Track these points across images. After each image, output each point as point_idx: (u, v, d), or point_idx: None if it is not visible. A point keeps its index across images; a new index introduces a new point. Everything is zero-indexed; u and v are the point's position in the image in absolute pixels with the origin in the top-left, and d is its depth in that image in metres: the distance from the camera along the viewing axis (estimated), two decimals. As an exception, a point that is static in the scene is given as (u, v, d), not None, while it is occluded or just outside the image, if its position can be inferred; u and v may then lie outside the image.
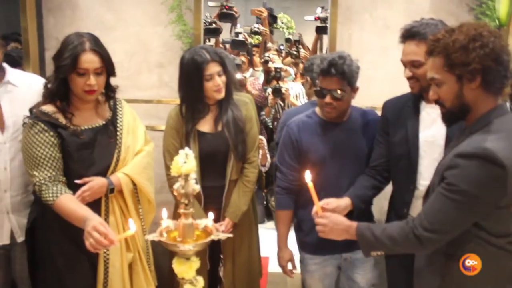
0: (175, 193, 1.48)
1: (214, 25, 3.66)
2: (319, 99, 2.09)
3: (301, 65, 4.75)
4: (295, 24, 7.36)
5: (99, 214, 1.90)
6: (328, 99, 2.03)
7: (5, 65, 2.09)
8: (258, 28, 4.55)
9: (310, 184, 1.66)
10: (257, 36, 5.00)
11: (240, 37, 4.11)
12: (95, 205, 1.90)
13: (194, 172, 1.46)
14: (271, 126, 4.41)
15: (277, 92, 4.08)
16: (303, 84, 4.09)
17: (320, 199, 1.99)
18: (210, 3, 4.15)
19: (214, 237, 1.49)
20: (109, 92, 2.01)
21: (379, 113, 2.15)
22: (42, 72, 2.85)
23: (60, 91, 1.89)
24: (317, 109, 2.18)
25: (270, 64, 4.43)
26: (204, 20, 3.41)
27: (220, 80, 2.13)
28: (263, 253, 2.55)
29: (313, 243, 2.13)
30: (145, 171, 2.08)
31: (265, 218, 4.52)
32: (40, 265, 2.03)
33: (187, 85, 2.17)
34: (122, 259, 1.99)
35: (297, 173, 2.15)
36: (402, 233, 1.50)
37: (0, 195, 2.01)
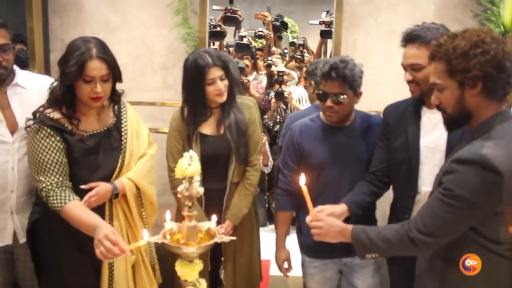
0: (179, 195, 1.48)
1: (218, 29, 3.67)
2: (321, 103, 2.10)
3: (305, 69, 4.75)
4: (299, 28, 7.36)
5: (103, 219, 1.89)
6: (329, 102, 2.03)
7: (15, 67, 2.10)
8: (262, 31, 4.55)
9: (304, 188, 1.66)
10: (260, 40, 5.01)
11: (245, 41, 4.12)
12: (99, 210, 1.89)
13: (199, 175, 1.46)
14: (274, 130, 4.41)
15: (279, 95, 4.09)
16: (306, 87, 4.09)
17: (319, 203, 2.00)
18: (215, 7, 4.16)
19: (217, 239, 1.49)
20: (115, 96, 2.01)
21: (383, 118, 2.15)
22: (47, 74, 2.86)
23: (66, 98, 1.88)
24: (321, 113, 2.19)
25: (273, 68, 4.44)
26: (209, 23, 3.42)
27: (222, 84, 2.14)
28: (264, 256, 2.55)
29: (313, 247, 2.13)
30: (148, 174, 2.09)
31: (267, 221, 4.52)
32: (43, 267, 2.03)
33: (189, 87, 2.19)
34: (126, 261, 1.99)
35: (298, 176, 2.16)
36: (397, 236, 1.50)
37: (7, 195, 2.02)
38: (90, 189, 1.90)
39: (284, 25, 5.23)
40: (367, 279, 2.18)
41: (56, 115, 1.88)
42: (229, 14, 3.95)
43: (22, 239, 2.08)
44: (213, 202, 2.23)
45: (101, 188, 1.91)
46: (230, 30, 4.45)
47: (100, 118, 1.99)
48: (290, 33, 7.32)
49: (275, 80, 4.25)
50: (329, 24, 3.96)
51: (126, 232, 2.02)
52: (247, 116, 2.26)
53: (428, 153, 1.88)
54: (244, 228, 2.30)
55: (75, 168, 1.91)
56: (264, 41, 5.00)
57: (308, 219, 1.76)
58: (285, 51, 5.66)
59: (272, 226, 4.33)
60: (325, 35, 4.09)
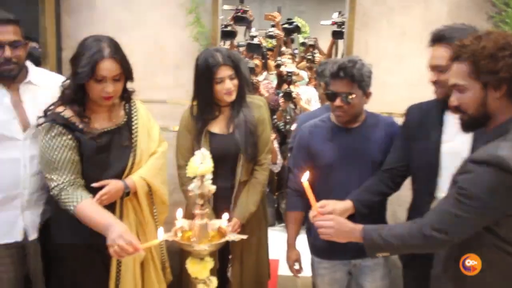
0: (190, 194, 1.49)
1: (229, 28, 3.68)
2: (330, 103, 2.10)
3: (315, 70, 4.75)
4: (310, 28, 7.36)
5: (114, 213, 1.92)
6: (338, 102, 2.03)
7: (28, 64, 2.12)
8: (273, 32, 4.56)
9: (306, 184, 1.63)
10: (271, 40, 5.02)
11: (255, 41, 4.12)
12: (109, 208, 1.90)
13: (211, 173, 1.47)
14: (283, 130, 4.41)
15: (288, 96, 4.10)
16: (315, 88, 4.09)
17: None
18: (226, 7, 4.17)
19: (228, 238, 1.50)
20: (125, 95, 2.02)
21: (396, 119, 2.14)
22: (59, 72, 2.88)
23: (77, 96, 1.89)
24: (331, 115, 2.19)
25: (282, 68, 4.44)
26: (220, 22, 3.43)
27: (231, 84, 2.15)
28: (273, 256, 2.55)
29: (322, 247, 2.13)
30: (159, 172, 2.09)
31: (275, 221, 4.52)
32: (53, 264, 2.05)
33: (199, 85, 2.20)
34: (135, 258, 1.99)
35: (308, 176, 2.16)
36: (410, 232, 1.49)
37: (18, 191, 2.03)
38: (101, 187, 1.91)
39: (297, 29, 5.23)
40: (376, 281, 2.17)
41: (67, 113, 1.90)
42: (239, 14, 3.97)
43: (32, 236, 2.09)
44: (222, 200, 2.23)
45: (112, 186, 1.92)
46: (240, 29, 4.46)
47: (111, 116, 2.00)
48: (301, 33, 7.32)
49: (283, 80, 4.26)
50: (341, 24, 3.95)
51: (136, 230, 2.02)
52: (256, 115, 2.26)
53: (450, 159, 1.84)
54: (252, 226, 2.30)
55: (86, 166, 1.92)
56: (274, 41, 5.00)
57: (311, 214, 1.74)
58: (296, 51, 5.65)
59: (280, 226, 4.34)
60: (337, 35, 4.09)
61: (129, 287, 1.99)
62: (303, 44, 5.55)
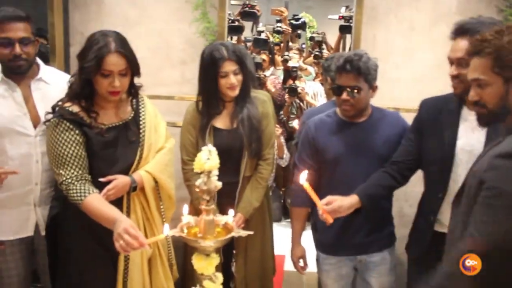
0: (196, 189, 1.49)
1: (236, 23, 3.66)
2: (336, 97, 2.09)
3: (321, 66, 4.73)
4: (317, 23, 7.31)
5: (121, 211, 1.90)
6: (344, 95, 2.02)
7: (39, 61, 2.14)
8: (280, 27, 4.54)
9: (306, 185, 1.63)
10: (278, 35, 4.99)
11: (263, 36, 4.10)
12: (116, 203, 1.91)
13: (217, 169, 1.47)
14: (290, 125, 4.40)
15: (293, 91, 4.09)
16: (322, 83, 4.07)
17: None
18: (233, 2, 4.15)
19: (234, 234, 1.50)
20: (133, 90, 2.03)
21: (403, 114, 2.13)
22: (66, 68, 2.90)
23: (84, 91, 1.90)
24: (338, 109, 2.18)
25: (290, 63, 4.42)
26: (227, 18, 3.42)
27: (235, 79, 2.15)
28: (279, 251, 2.55)
29: (328, 243, 2.13)
30: (166, 168, 2.10)
31: (282, 216, 4.52)
32: (61, 259, 2.06)
33: (204, 79, 2.21)
34: (142, 255, 2.01)
35: (313, 172, 2.15)
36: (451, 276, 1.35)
37: (31, 187, 2.06)
38: (108, 182, 1.92)
39: (304, 26, 5.20)
40: (381, 277, 2.17)
41: (75, 108, 1.91)
42: (247, 9, 3.95)
43: (43, 231, 2.12)
44: (226, 195, 2.22)
45: (120, 181, 1.93)
46: (247, 25, 4.44)
47: (118, 111, 2.01)
48: (308, 28, 7.28)
49: (288, 75, 4.24)
50: (348, 19, 3.92)
51: (144, 225, 2.03)
52: (260, 110, 2.26)
53: (464, 156, 1.83)
54: (256, 221, 2.30)
55: (94, 161, 1.93)
56: (280, 36, 4.97)
57: (320, 213, 1.75)
58: (303, 46, 5.63)
59: (287, 221, 4.33)
60: (344, 30, 4.05)
61: (137, 283, 2.00)
62: (311, 39, 5.51)
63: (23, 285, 2.15)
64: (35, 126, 2.04)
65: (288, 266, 2.82)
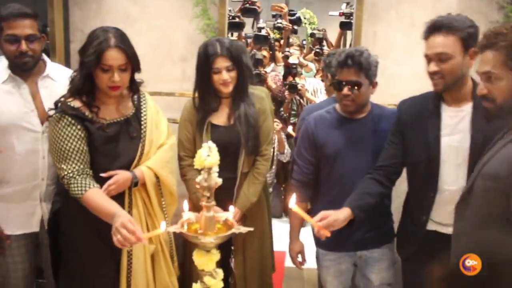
0: (197, 186, 1.50)
1: (237, 20, 3.66)
2: (337, 92, 2.10)
3: (322, 62, 4.73)
4: (318, 19, 7.31)
5: (123, 207, 1.93)
6: (345, 90, 2.02)
7: (45, 58, 2.16)
8: (281, 23, 4.53)
9: (296, 208, 1.58)
10: (278, 31, 4.98)
11: (263, 32, 4.10)
12: (118, 198, 1.92)
13: (217, 166, 1.47)
14: (290, 121, 4.40)
15: (293, 88, 4.09)
16: (322, 79, 4.08)
17: (334, 194, 1.98)
18: (233, -2, 4.15)
19: (235, 230, 1.50)
20: (134, 86, 2.04)
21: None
22: (67, 65, 2.89)
23: (85, 86, 1.91)
24: (337, 106, 2.19)
25: (290, 60, 4.43)
26: (227, 14, 3.41)
27: (228, 75, 2.15)
28: (280, 248, 2.56)
29: (327, 240, 2.13)
30: (167, 164, 2.11)
31: (282, 212, 4.53)
32: (63, 255, 2.07)
33: (198, 74, 2.22)
34: (145, 251, 2.02)
35: (313, 167, 2.17)
36: None
37: (38, 182, 2.08)
38: (110, 177, 1.93)
39: (299, 21, 5.20)
40: (381, 272, 2.18)
41: (76, 103, 1.92)
42: (247, 5, 3.94)
43: (47, 226, 2.14)
44: (224, 191, 2.20)
45: (120, 176, 1.94)
46: (248, 21, 4.43)
47: (119, 107, 2.02)
48: (309, 24, 7.27)
49: (288, 72, 4.25)
50: (349, 15, 3.91)
51: (146, 220, 2.05)
52: (257, 107, 2.26)
53: (451, 153, 1.83)
54: (254, 217, 2.31)
55: (95, 156, 1.94)
56: (280, 33, 4.97)
57: (316, 231, 1.77)
58: (304, 42, 5.62)
59: (288, 217, 4.34)
60: (345, 26, 4.04)
61: (140, 279, 2.01)
62: (312, 35, 5.51)
63: (28, 279, 2.17)
64: (42, 123, 2.06)
65: (289, 262, 2.82)
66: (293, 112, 4.39)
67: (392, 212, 2.25)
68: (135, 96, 2.08)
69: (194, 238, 1.47)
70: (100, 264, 2.01)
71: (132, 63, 1.92)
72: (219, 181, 1.49)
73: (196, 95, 2.28)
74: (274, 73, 4.45)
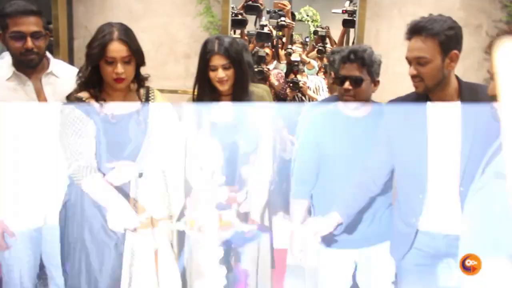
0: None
1: (240, 17, 3.66)
2: (339, 88, 2.09)
3: (325, 60, 4.73)
4: (321, 16, 7.30)
5: (128, 198, 1.96)
6: (347, 85, 2.03)
7: (48, 55, 2.16)
8: (284, 21, 4.53)
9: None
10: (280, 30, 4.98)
11: (266, 30, 4.10)
12: (124, 189, 1.95)
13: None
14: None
15: (295, 85, 4.09)
16: (324, 77, 4.08)
17: (335, 192, 1.99)
18: (236, -5, 4.15)
19: (237, 228, 1.51)
20: (140, 80, 2.06)
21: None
22: (70, 61, 2.91)
23: (92, 79, 1.95)
24: (339, 104, 2.19)
25: (292, 57, 4.42)
26: (230, 11, 3.42)
27: (224, 73, 2.15)
28: (282, 245, 2.56)
29: (328, 236, 2.14)
30: (174, 158, 2.13)
31: (284, 210, 4.54)
32: (70, 245, 2.10)
33: (197, 71, 2.23)
34: (148, 244, 2.03)
35: (313, 165, 2.18)
36: None
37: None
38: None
39: (292, 16, 5.19)
40: (382, 270, 2.19)
41: (84, 94, 1.97)
42: (250, 2, 3.93)
43: (51, 221, 2.14)
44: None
45: (124, 166, 1.97)
46: (251, 18, 4.44)
47: (126, 100, 2.04)
48: (312, 22, 7.27)
49: (290, 69, 4.25)
50: (352, 13, 3.91)
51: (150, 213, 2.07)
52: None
53: (440, 152, 1.81)
54: None
55: (101, 148, 1.97)
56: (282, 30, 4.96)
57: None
58: (307, 39, 5.62)
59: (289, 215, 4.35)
60: (348, 24, 4.03)
61: (142, 271, 2.03)
62: (315, 33, 5.51)
63: (32, 272, 2.18)
64: None
65: (291, 259, 2.84)
66: (294, 110, 4.39)
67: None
68: (144, 91, 2.10)
69: (197, 236, 1.48)
70: (105, 256, 2.03)
71: (136, 56, 1.95)
72: (223, 179, 1.50)
73: (195, 91, 2.30)
74: (276, 71, 4.45)
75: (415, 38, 1.75)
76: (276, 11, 4.62)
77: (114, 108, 2.00)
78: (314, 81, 4.52)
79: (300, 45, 5.07)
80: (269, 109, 2.33)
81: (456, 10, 2.53)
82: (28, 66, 2.02)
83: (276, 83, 4.24)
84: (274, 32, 4.59)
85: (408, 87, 2.61)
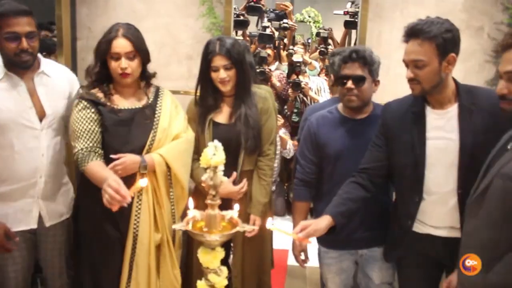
0: (203, 184, 1.51)
1: (242, 18, 3.67)
2: (340, 88, 2.10)
3: (327, 61, 4.73)
4: (323, 18, 7.31)
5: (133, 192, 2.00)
6: (350, 84, 2.03)
7: (38, 54, 2.15)
8: (287, 23, 4.54)
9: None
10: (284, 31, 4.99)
11: (268, 31, 4.11)
12: (129, 183, 1.97)
13: (223, 164, 1.48)
14: (294, 120, 4.41)
15: (296, 86, 4.10)
16: (326, 78, 4.09)
17: (335, 193, 1.98)
18: (239, -4, 4.15)
19: (239, 228, 1.52)
20: (147, 78, 2.14)
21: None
22: (73, 61, 2.92)
23: (102, 74, 2.07)
24: (339, 106, 2.20)
25: (293, 57, 4.43)
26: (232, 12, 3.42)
27: (226, 74, 2.17)
28: (283, 246, 2.57)
29: (329, 237, 2.12)
30: (181, 156, 2.15)
31: (286, 211, 4.55)
32: (80, 240, 2.17)
33: (200, 71, 2.26)
34: (150, 238, 2.08)
35: (315, 166, 2.19)
36: None
37: (35, 180, 2.08)
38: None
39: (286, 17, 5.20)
40: (382, 271, 2.19)
41: (93, 89, 2.08)
42: (252, 3, 3.95)
43: (48, 223, 2.15)
44: None
45: (128, 158, 2.02)
46: (252, 19, 4.44)
47: (134, 98, 2.13)
48: (314, 23, 7.27)
49: (292, 69, 4.25)
50: (353, 14, 3.92)
51: (154, 208, 2.10)
52: (259, 106, 2.28)
53: (439, 155, 1.81)
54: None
55: (107, 136, 2.05)
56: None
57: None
58: (309, 41, 5.62)
59: (291, 216, 4.36)
60: (349, 25, 4.05)
61: (142, 266, 2.07)
62: (317, 34, 5.52)
63: (26, 273, 2.18)
64: (40, 120, 2.06)
65: (292, 260, 2.84)
66: (296, 111, 4.39)
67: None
68: (154, 89, 2.18)
69: (199, 236, 1.48)
70: (108, 252, 2.09)
71: (140, 52, 2.04)
72: (225, 179, 1.50)
73: (198, 92, 2.31)
74: (278, 72, 4.46)
75: (412, 41, 1.75)
76: (272, 10, 4.63)
77: (122, 102, 2.10)
78: (316, 82, 4.53)
79: (302, 46, 5.08)
80: (271, 111, 2.34)
81: (457, 12, 2.53)
82: (22, 67, 2.01)
83: (277, 84, 4.24)
84: (276, 34, 4.60)
85: (409, 89, 2.62)
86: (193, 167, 2.26)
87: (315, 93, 4.43)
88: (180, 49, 2.92)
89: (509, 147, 1.49)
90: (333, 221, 1.89)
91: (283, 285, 3.23)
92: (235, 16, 3.70)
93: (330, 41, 5.09)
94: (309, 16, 7.43)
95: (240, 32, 4.15)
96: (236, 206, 1.60)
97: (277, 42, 4.65)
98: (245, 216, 2.27)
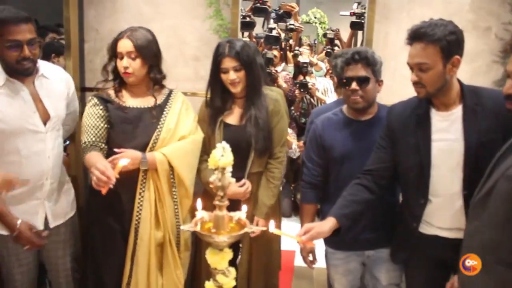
0: (211, 185, 1.52)
1: (248, 19, 3.67)
2: (344, 90, 2.10)
3: (332, 62, 4.72)
4: (329, 19, 7.30)
5: (135, 188, 2.11)
6: (354, 85, 2.04)
7: None
8: (293, 24, 4.54)
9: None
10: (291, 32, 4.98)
11: (274, 33, 4.11)
12: (132, 180, 2.07)
13: (231, 166, 1.49)
14: (301, 121, 4.41)
15: (303, 86, 4.10)
16: (332, 79, 4.08)
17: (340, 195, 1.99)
18: (245, -3, 4.15)
19: (247, 229, 1.52)
20: (155, 80, 2.22)
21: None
22: (81, 63, 2.93)
23: (114, 74, 2.20)
24: (344, 107, 2.21)
25: (300, 58, 4.43)
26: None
27: (235, 75, 2.19)
28: (290, 247, 2.57)
29: (336, 239, 2.14)
30: (185, 156, 2.18)
31: (292, 212, 4.55)
32: (86, 233, 2.27)
33: (211, 73, 2.29)
34: (150, 234, 2.12)
35: (321, 169, 2.20)
36: None
37: (42, 182, 2.10)
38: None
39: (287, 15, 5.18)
40: (389, 272, 2.19)
41: (106, 88, 2.21)
42: (258, 5, 3.95)
43: (53, 224, 2.17)
44: None
45: (129, 153, 2.08)
46: (259, 20, 4.44)
47: (146, 97, 2.21)
48: (319, 24, 7.27)
49: (298, 70, 4.26)
50: (360, 15, 3.91)
51: (155, 205, 2.14)
52: (270, 107, 2.28)
53: (444, 157, 1.81)
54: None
55: (112, 132, 2.15)
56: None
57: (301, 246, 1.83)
58: (315, 41, 5.62)
59: (297, 217, 4.36)
60: (356, 26, 4.04)
61: (142, 263, 2.12)
62: (324, 35, 5.51)
63: (32, 275, 2.21)
64: (44, 123, 2.08)
65: (299, 261, 2.84)
66: (303, 111, 4.39)
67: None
68: (166, 91, 2.26)
69: (207, 237, 1.49)
70: (110, 243, 2.16)
71: (141, 53, 2.11)
72: (233, 180, 1.51)
73: (208, 93, 2.32)
74: (285, 73, 4.46)
75: (416, 44, 1.74)
76: (273, 9, 4.62)
77: (131, 101, 2.19)
78: (323, 82, 4.53)
79: (308, 47, 5.08)
80: (282, 113, 2.34)
81: (465, 12, 2.52)
82: (25, 74, 2.02)
83: (284, 85, 4.25)
84: (283, 35, 4.60)
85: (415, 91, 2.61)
86: (201, 168, 2.27)
87: (322, 93, 4.43)
88: (187, 51, 2.93)
89: None
90: (337, 223, 1.89)
91: (290, 286, 3.23)
92: (241, 17, 3.71)
93: (337, 42, 5.08)
94: (315, 17, 7.42)
95: (246, 34, 4.16)
96: (244, 207, 1.61)
97: (283, 43, 4.64)
98: (252, 218, 2.28)
